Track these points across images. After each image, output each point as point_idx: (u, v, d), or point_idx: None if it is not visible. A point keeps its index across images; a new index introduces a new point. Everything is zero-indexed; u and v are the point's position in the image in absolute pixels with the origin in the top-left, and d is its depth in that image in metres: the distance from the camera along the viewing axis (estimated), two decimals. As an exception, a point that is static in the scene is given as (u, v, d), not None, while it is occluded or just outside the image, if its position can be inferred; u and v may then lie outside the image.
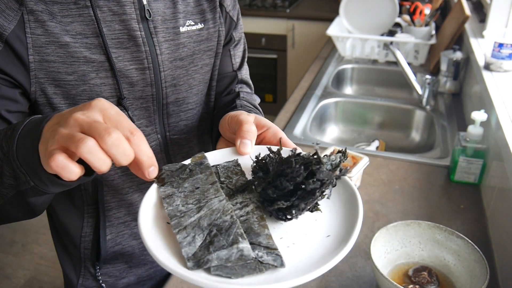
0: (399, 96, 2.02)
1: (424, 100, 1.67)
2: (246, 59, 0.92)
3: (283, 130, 1.51)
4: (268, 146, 0.57)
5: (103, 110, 0.45)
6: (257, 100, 0.93)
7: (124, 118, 0.46)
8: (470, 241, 0.85)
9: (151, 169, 0.47)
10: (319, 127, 1.73)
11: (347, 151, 1.09)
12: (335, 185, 0.53)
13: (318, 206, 0.51)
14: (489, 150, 1.17)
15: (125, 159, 0.44)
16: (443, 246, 0.89)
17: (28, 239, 2.49)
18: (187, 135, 0.84)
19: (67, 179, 0.43)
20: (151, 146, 0.79)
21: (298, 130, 1.53)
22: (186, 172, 0.54)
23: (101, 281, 0.88)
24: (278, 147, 0.58)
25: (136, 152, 0.45)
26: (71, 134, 0.43)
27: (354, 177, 1.14)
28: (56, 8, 0.63)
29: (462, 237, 0.87)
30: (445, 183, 1.24)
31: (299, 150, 0.59)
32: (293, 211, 0.48)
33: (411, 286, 0.85)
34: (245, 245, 0.43)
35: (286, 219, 0.49)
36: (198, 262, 0.42)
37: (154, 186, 0.53)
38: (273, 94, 3.46)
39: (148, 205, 0.51)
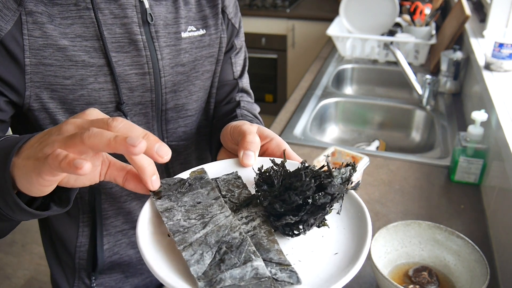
0: (399, 96, 2.02)
1: (424, 100, 1.67)
2: (247, 68, 0.91)
3: (283, 130, 1.51)
4: (272, 158, 0.55)
5: (98, 117, 0.44)
6: (257, 109, 0.91)
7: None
8: (470, 241, 0.85)
9: (154, 178, 0.46)
10: (319, 127, 1.73)
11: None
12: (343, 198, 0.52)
13: (326, 221, 0.49)
14: (489, 150, 1.17)
15: (136, 133, 0.41)
16: (443, 246, 0.89)
17: (28, 239, 2.48)
18: (185, 142, 0.82)
19: (78, 173, 0.38)
20: None
21: (298, 130, 1.53)
22: (185, 187, 0.51)
23: None
24: (281, 159, 0.56)
25: (137, 157, 0.44)
26: (72, 132, 0.40)
27: (355, 177, 1.14)
28: (55, 9, 0.61)
29: (462, 237, 0.87)
30: (445, 183, 1.23)
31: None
32: (301, 227, 0.47)
33: (411, 286, 0.85)
34: (259, 263, 0.42)
35: (293, 235, 0.47)
36: (210, 281, 0.40)
37: (149, 201, 0.51)
38: (273, 94, 3.46)
39: (145, 220, 0.48)
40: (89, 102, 0.66)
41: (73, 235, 0.80)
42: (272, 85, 3.42)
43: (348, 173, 0.49)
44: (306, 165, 0.51)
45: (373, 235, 0.87)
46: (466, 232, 1.02)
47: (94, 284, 0.85)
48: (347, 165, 0.50)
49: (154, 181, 0.46)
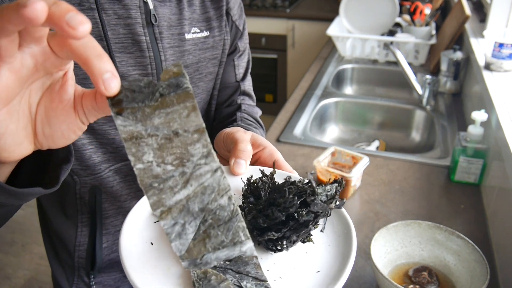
0: (399, 96, 2.02)
1: (424, 100, 1.67)
2: (249, 71, 0.91)
3: (283, 130, 1.51)
4: (261, 168, 0.55)
5: None
6: (258, 112, 0.91)
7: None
8: (470, 241, 0.85)
9: (106, 76, 0.33)
10: (319, 127, 1.73)
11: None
12: (329, 216, 0.51)
13: (311, 237, 0.48)
14: (489, 150, 1.17)
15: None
16: (443, 246, 0.89)
17: (28, 239, 2.48)
18: None
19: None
20: None
21: (298, 130, 1.53)
22: (156, 98, 0.36)
23: None
24: (271, 170, 0.55)
25: (79, 46, 0.32)
26: None
27: (354, 177, 1.14)
28: None
29: (462, 237, 0.87)
30: (445, 183, 1.23)
31: (294, 174, 0.57)
32: (284, 243, 0.46)
33: (411, 286, 0.85)
34: (249, 245, 0.38)
35: (276, 250, 0.46)
36: (194, 261, 0.37)
37: (140, 203, 0.47)
38: (273, 94, 3.46)
39: (129, 229, 0.46)
40: None
41: (72, 235, 0.81)
42: (272, 85, 3.42)
43: (334, 190, 0.48)
44: (292, 180, 0.50)
45: (373, 235, 0.87)
46: (466, 232, 1.02)
47: (93, 283, 0.85)
48: (334, 181, 0.49)
49: (107, 81, 0.33)
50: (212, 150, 0.37)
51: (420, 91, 1.67)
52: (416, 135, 1.74)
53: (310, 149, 1.40)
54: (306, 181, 0.50)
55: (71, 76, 0.38)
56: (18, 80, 0.33)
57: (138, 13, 0.67)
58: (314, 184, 0.47)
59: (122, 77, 0.67)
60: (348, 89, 2.15)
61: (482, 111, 1.19)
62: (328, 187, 0.48)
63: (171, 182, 0.36)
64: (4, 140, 0.35)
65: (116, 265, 0.86)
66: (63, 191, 0.76)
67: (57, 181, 0.45)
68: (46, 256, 0.89)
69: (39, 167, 0.48)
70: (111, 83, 0.33)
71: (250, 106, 0.89)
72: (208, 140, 0.37)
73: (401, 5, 2.32)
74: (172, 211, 0.36)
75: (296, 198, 0.45)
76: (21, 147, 0.37)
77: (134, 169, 0.36)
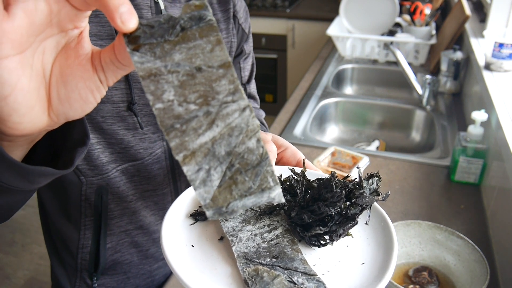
0: (399, 96, 2.02)
1: (424, 100, 1.67)
2: (254, 74, 0.92)
3: (283, 130, 1.51)
4: (291, 168, 0.55)
5: None
6: (263, 115, 0.92)
7: None
8: (470, 241, 0.85)
9: (123, 9, 0.30)
10: (319, 127, 1.73)
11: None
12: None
13: (349, 231, 0.49)
14: (490, 150, 1.17)
15: None
16: (443, 246, 0.89)
17: (28, 239, 2.49)
18: None
19: None
20: (156, 153, 0.77)
21: (298, 130, 1.53)
22: (176, 32, 0.33)
23: None
24: (301, 168, 0.56)
25: None
26: None
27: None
28: None
29: (462, 237, 0.87)
30: (445, 183, 1.23)
31: (319, 172, 0.58)
32: (328, 237, 0.47)
33: (411, 286, 0.85)
34: (277, 191, 0.34)
35: (320, 245, 0.47)
36: (219, 209, 0.33)
37: (174, 206, 0.48)
38: (273, 94, 3.46)
39: (169, 230, 0.46)
40: (101, 101, 0.66)
41: (75, 237, 0.80)
42: (272, 85, 3.42)
43: (375, 184, 0.49)
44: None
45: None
46: (466, 232, 1.02)
47: (96, 285, 0.85)
48: (371, 176, 0.50)
49: (124, 14, 0.30)
50: (240, 86, 0.33)
51: (420, 91, 1.67)
52: (416, 135, 1.74)
53: (310, 149, 1.40)
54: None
55: (86, 34, 0.36)
56: (31, 25, 0.31)
57: (149, 13, 0.67)
58: (362, 178, 0.48)
59: (133, 76, 0.68)
60: (348, 89, 2.15)
61: (482, 111, 1.19)
62: (370, 181, 0.49)
63: (194, 122, 0.33)
64: (15, 96, 0.32)
65: (119, 266, 0.85)
66: (68, 193, 0.76)
67: (72, 163, 0.43)
68: (46, 256, 0.88)
69: (53, 158, 0.46)
70: (128, 17, 0.31)
71: (255, 109, 0.90)
72: (235, 75, 0.33)
73: (401, 5, 2.32)
74: (196, 155, 0.33)
75: (343, 192, 0.46)
76: (32, 113, 0.34)
77: (153, 109, 0.32)
